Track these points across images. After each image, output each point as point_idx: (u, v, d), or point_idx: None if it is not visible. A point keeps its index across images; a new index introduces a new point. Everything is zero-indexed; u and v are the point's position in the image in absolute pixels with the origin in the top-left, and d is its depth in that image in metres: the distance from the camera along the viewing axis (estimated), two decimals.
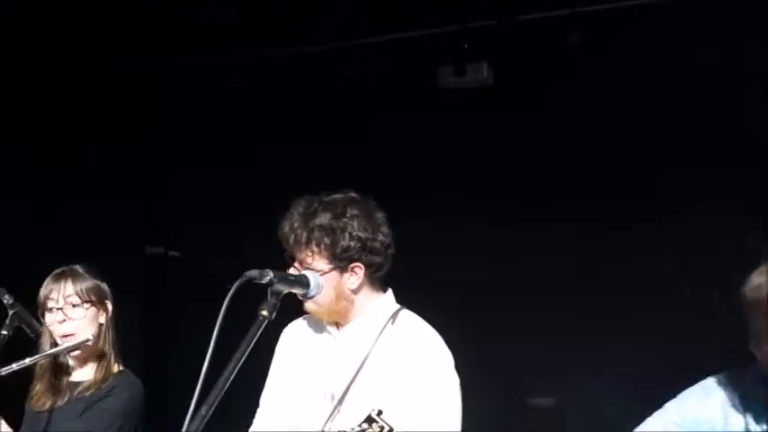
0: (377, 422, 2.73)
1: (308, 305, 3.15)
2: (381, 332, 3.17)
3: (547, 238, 5.53)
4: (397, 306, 3.23)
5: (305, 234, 3.09)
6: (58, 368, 3.74)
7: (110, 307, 3.75)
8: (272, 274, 2.78)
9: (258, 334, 2.68)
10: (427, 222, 5.52)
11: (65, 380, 3.73)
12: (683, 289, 5.30)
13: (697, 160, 5.27)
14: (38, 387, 3.73)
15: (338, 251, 3.08)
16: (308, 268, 3.08)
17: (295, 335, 3.37)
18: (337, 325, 3.22)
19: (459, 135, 5.73)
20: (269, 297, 2.77)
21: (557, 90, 5.55)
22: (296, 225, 3.10)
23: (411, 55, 5.69)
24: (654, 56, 5.35)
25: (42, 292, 3.70)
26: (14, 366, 3.52)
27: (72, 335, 3.65)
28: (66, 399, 3.68)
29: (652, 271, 5.36)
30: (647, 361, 5.15)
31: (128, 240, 6.12)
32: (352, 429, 2.75)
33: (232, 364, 2.65)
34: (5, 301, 3.55)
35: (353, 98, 5.83)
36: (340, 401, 3.12)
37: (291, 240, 3.11)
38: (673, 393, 2.95)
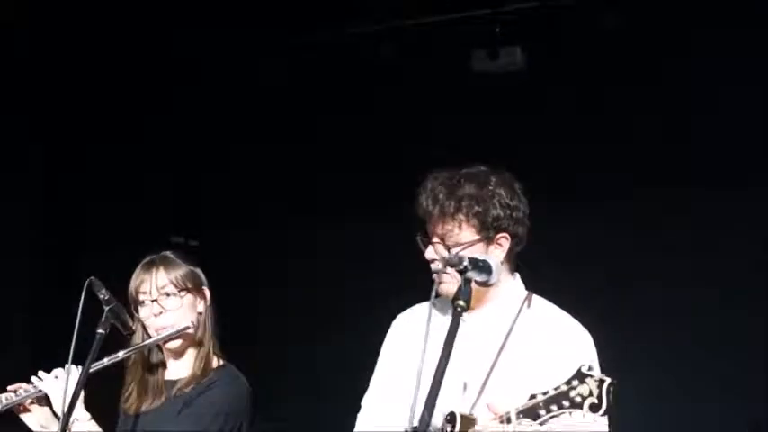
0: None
1: (449, 288, 3.02)
2: (518, 316, 3.10)
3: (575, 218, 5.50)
4: (527, 291, 3.17)
5: (452, 203, 3.01)
6: (153, 365, 3.45)
7: (207, 294, 3.46)
8: (466, 260, 2.72)
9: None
10: None
11: (160, 378, 3.44)
12: None
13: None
14: (131, 387, 3.44)
15: (489, 219, 3.00)
16: (451, 242, 3.01)
17: (410, 325, 3.26)
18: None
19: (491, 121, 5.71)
20: (463, 286, 2.68)
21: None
22: (441, 196, 3.01)
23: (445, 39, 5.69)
24: (691, 37, 5.30)
25: (133, 284, 3.40)
26: (105, 361, 3.29)
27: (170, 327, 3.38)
28: (163, 398, 3.39)
29: None
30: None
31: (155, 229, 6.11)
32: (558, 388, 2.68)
33: (443, 361, 2.67)
34: (101, 296, 3.22)
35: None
36: (481, 389, 3.03)
37: (436, 212, 3.01)
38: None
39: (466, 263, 2.68)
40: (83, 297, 3.12)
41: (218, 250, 5.80)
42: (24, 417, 3.40)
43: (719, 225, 5.30)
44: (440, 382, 2.72)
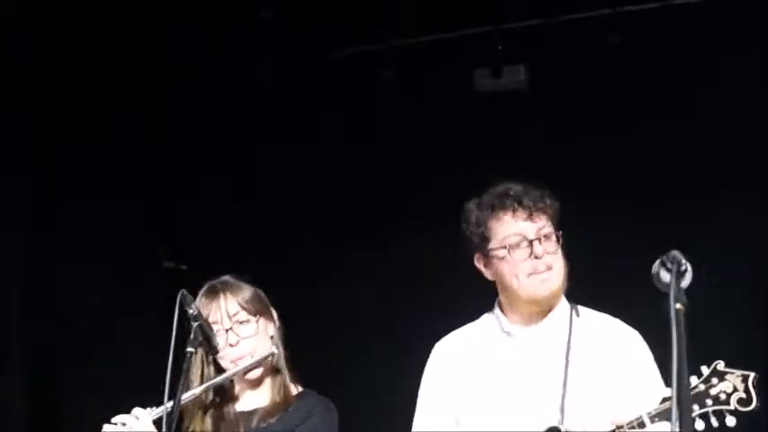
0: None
1: (552, 285, 3.10)
2: (571, 327, 3.12)
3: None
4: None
5: (537, 192, 3.12)
6: (223, 398, 3.20)
7: (275, 315, 3.28)
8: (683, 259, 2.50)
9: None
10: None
11: (232, 411, 3.19)
12: None
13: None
14: (199, 424, 3.18)
15: (557, 214, 3.15)
16: (546, 238, 3.08)
17: (455, 351, 3.25)
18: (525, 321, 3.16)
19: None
20: (675, 285, 2.36)
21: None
22: (537, 194, 3.11)
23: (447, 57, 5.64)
24: (696, 57, 5.25)
25: (202, 311, 3.11)
26: (198, 391, 3.08)
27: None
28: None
29: None
30: None
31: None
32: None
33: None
34: (190, 312, 2.97)
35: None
36: (562, 404, 3.02)
37: (537, 207, 3.08)
38: None
39: (684, 261, 2.40)
40: (177, 312, 2.91)
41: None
42: None
43: None
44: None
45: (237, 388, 3.21)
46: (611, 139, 5.42)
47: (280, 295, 3.36)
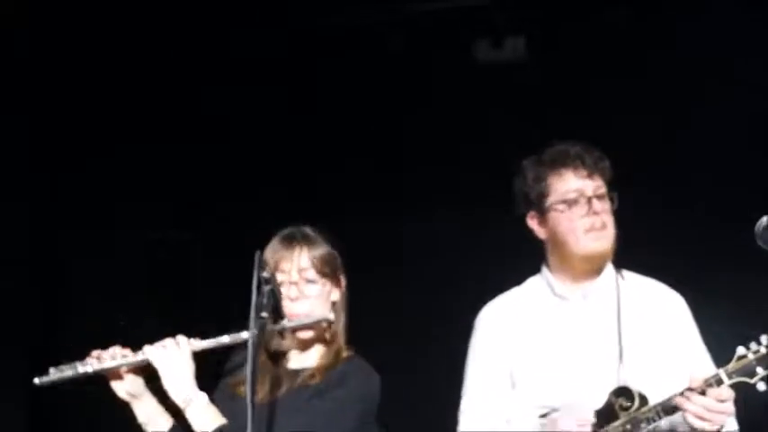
0: None
1: (606, 244, 3.22)
2: (619, 290, 3.24)
3: None
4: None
5: (597, 153, 3.24)
6: (273, 352, 3.13)
7: (343, 282, 3.19)
8: None
9: None
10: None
11: (281, 366, 3.14)
12: None
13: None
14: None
15: (611, 176, 3.27)
16: (601, 198, 3.21)
17: (504, 315, 3.34)
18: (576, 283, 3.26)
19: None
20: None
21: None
22: (596, 155, 3.24)
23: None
24: (701, 33, 5.27)
25: (273, 259, 3.05)
26: (227, 339, 3.04)
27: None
28: (284, 388, 3.08)
29: None
30: None
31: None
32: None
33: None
34: (265, 275, 2.88)
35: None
36: (619, 365, 3.15)
37: (595, 167, 3.21)
38: None
39: None
40: (256, 269, 2.83)
41: None
42: (114, 383, 3.11)
43: None
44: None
45: (289, 345, 3.14)
46: (611, 110, 5.46)
47: None
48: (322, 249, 3.13)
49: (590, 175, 3.20)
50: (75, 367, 3.07)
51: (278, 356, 3.14)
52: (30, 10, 5.02)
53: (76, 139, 5.61)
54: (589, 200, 3.18)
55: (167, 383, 3.02)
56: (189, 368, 3.03)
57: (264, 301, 2.83)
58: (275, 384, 3.09)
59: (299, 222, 3.22)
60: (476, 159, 5.59)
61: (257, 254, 2.85)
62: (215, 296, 5.63)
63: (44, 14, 5.08)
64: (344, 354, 3.13)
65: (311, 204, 5.57)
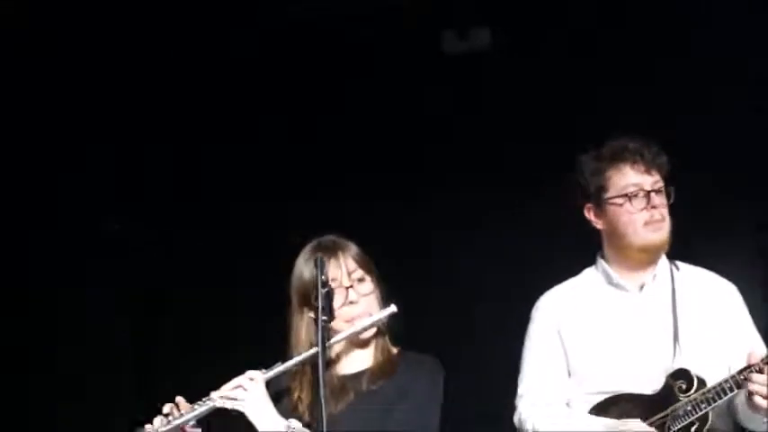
0: None
1: (663, 236, 3.33)
2: (674, 280, 3.36)
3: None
4: None
5: (655, 148, 3.37)
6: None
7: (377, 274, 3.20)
8: None
9: None
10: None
11: (334, 375, 3.10)
12: None
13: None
14: (302, 390, 3.10)
15: (669, 170, 3.43)
16: (659, 192, 3.34)
17: (561, 304, 3.45)
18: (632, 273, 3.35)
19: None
20: None
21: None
22: (655, 150, 3.37)
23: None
24: (667, 29, 5.43)
25: (312, 273, 3.02)
26: (292, 363, 2.99)
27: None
28: (351, 395, 3.04)
29: None
30: None
31: None
32: None
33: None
34: (323, 277, 2.89)
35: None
36: (674, 353, 3.27)
37: (654, 163, 3.33)
38: None
39: None
40: (319, 273, 2.86)
41: None
42: None
43: None
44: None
45: (340, 349, 3.12)
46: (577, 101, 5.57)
47: None
48: (356, 248, 3.17)
49: (648, 170, 3.35)
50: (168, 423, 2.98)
51: (328, 364, 3.06)
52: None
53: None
54: (647, 194, 3.33)
55: (259, 423, 2.98)
56: (270, 401, 3.00)
57: (323, 304, 2.85)
58: (340, 393, 3.06)
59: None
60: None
61: (318, 258, 2.91)
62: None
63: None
64: (393, 349, 3.16)
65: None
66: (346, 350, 3.12)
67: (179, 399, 3.02)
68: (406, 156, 5.69)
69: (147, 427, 2.95)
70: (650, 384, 3.27)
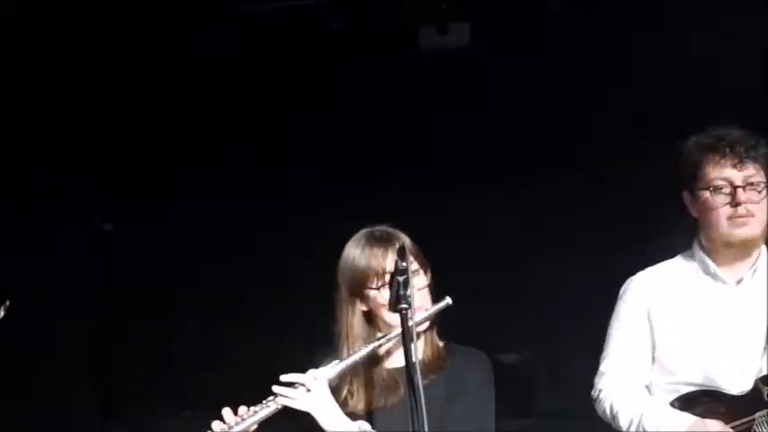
0: None
1: (753, 231, 3.23)
2: None
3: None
4: None
5: (753, 141, 3.24)
6: (372, 357, 3.04)
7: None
8: None
9: None
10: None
11: (383, 369, 3.04)
12: None
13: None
14: (352, 385, 3.03)
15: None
16: (752, 186, 3.21)
17: (653, 287, 3.36)
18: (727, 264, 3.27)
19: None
20: None
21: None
22: (751, 143, 3.23)
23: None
24: (637, 30, 5.40)
25: (371, 262, 2.98)
26: (364, 352, 2.92)
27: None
28: (401, 390, 2.93)
29: None
30: None
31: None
32: None
33: None
34: (401, 266, 2.76)
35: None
36: (764, 352, 3.18)
37: (749, 156, 3.19)
38: None
39: None
40: (405, 265, 2.73)
41: None
42: None
43: None
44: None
45: (391, 343, 3.03)
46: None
47: None
48: (410, 240, 3.08)
49: (740, 164, 3.24)
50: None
51: (377, 358, 3.05)
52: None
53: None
54: (734, 189, 3.23)
55: (329, 424, 2.93)
56: (334, 401, 2.94)
57: (405, 292, 2.73)
58: (391, 387, 3.00)
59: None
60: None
61: (400, 246, 2.78)
62: None
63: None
64: (440, 342, 3.09)
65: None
66: (396, 344, 3.03)
67: (226, 410, 2.93)
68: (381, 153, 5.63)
69: None
70: (738, 384, 3.20)
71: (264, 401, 2.93)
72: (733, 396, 3.20)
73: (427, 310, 3.02)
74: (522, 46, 5.57)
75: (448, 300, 3.02)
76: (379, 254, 3.01)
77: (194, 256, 5.76)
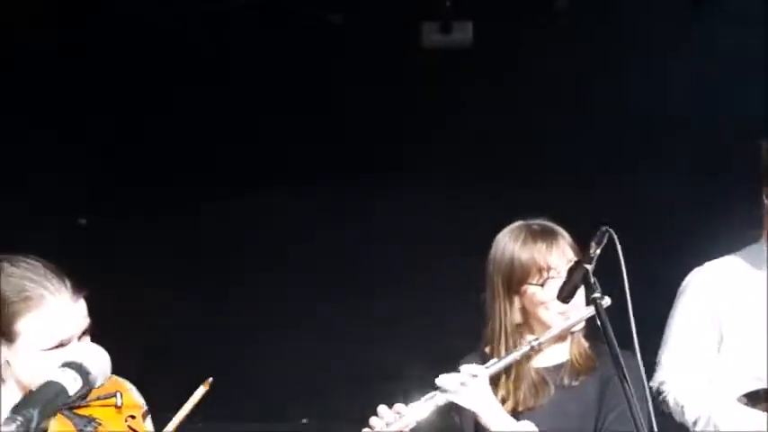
0: None
1: None
2: None
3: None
4: None
5: None
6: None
7: None
8: None
9: None
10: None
11: (528, 368, 2.93)
12: None
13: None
14: (505, 387, 2.92)
15: None
16: None
17: (718, 280, 3.28)
18: None
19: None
20: None
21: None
22: None
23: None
24: (642, 26, 5.43)
25: (535, 255, 2.88)
26: (511, 359, 2.82)
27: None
28: (550, 391, 2.89)
29: None
30: None
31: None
32: None
33: None
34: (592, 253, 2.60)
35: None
36: None
37: None
38: None
39: None
40: (620, 251, 2.58)
41: None
42: None
43: None
44: None
45: (546, 342, 2.93)
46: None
47: None
48: (569, 235, 2.98)
49: None
50: None
51: (524, 358, 2.93)
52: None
53: None
54: None
55: (492, 423, 2.82)
56: (496, 399, 2.83)
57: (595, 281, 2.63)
58: (541, 387, 2.92)
59: None
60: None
61: (604, 230, 2.60)
62: None
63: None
64: (585, 342, 3.00)
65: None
66: (547, 343, 2.93)
67: (382, 407, 2.80)
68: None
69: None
70: None
71: (424, 398, 2.81)
72: None
73: (586, 308, 2.88)
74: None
75: (608, 300, 2.81)
76: (543, 248, 2.91)
77: None
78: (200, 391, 2.77)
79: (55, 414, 2.23)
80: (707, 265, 3.41)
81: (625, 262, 2.64)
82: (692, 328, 3.30)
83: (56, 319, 2.36)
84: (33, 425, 2.03)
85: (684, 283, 3.40)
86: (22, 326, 2.35)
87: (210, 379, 2.77)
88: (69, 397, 2.15)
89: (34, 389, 2.23)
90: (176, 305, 5.36)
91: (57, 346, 2.36)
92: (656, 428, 2.55)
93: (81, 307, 2.42)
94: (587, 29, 5.56)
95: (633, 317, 2.62)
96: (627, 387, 2.51)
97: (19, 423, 2.03)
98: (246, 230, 5.61)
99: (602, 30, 5.54)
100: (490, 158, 5.52)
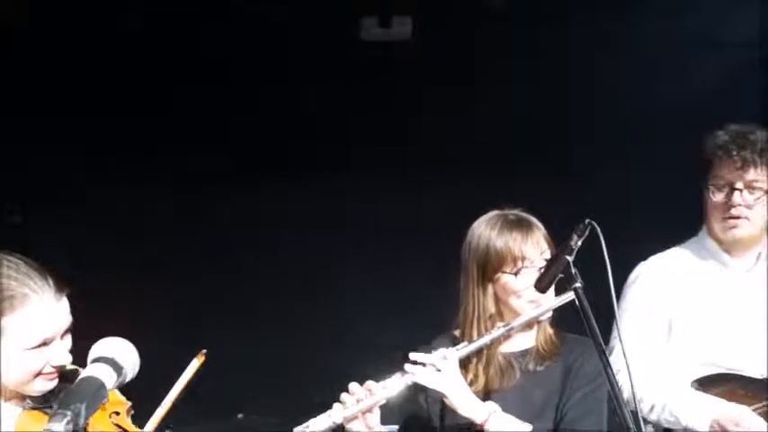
0: None
1: (743, 232, 3.26)
2: None
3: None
4: None
5: (761, 145, 3.25)
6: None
7: None
8: None
9: None
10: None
11: (496, 352, 3.03)
12: None
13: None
14: (475, 368, 3.00)
15: None
16: (753, 189, 3.23)
17: (663, 271, 3.41)
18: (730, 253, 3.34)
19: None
20: None
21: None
22: (760, 147, 3.20)
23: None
24: (580, 27, 5.50)
25: (512, 246, 2.94)
26: (487, 340, 2.89)
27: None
28: (517, 374, 3.00)
29: None
30: None
31: None
32: None
33: None
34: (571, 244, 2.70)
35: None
36: None
37: (753, 160, 3.20)
38: None
39: None
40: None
41: None
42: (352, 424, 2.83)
43: None
44: None
45: (515, 328, 3.02)
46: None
47: None
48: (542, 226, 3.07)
49: (743, 166, 3.30)
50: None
51: (492, 343, 3.02)
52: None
53: None
54: (732, 190, 3.31)
55: (458, 404, 2.87)
56: (464, 382, 2.89)
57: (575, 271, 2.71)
58: (507, 371, 3.01)
59: None
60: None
61: (586, 222, 2.69)
62: None
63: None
64: (550, 329, 3.09)
65: None
66: (518, 329, 3.02)
67: (353, 384, 2.86)
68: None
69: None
70: (751, 365, 3.30)
71: (394, 376, 2.88)
72: (752, 378, 3.32)
73: (548, 300, 2.99)
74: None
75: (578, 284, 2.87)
76: (518, 238, 2.99)
77: None
78: (194, 363, 2.75)
79: (96, 410, 2.22)
80: (652, 258, 3.53)
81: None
82: (642, 319, 3.42)
83: (40, 317, 2.34)
84: (81, 420, 2.03)
85: (632, 276, 3.51)
86: (5, 325, 2.32)
87: (204, 351, 2.76)
88: (107, 392, 2.16)
89: (12, 387, 2.27)
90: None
91: (40, 345, 2.34)
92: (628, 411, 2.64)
93: (64, 305, 2.40)
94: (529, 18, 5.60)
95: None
96: (610, 371, 2.63)
97: (69, 418, 2.02)
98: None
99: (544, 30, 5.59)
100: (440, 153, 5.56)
